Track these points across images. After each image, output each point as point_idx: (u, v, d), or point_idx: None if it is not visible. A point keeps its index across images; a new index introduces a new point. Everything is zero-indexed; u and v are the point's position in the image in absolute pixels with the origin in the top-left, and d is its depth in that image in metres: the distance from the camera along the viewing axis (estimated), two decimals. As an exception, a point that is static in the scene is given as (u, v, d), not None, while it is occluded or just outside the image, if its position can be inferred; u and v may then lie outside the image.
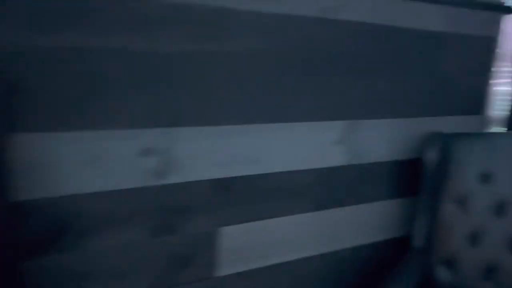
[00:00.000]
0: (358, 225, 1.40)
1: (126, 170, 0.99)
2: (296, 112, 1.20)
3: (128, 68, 0.94)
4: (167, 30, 0.96)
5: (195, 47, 1.00)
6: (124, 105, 0.95)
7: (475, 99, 1.53)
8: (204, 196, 1.12)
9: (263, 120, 1.15)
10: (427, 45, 1.36)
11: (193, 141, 1.06)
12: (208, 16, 1.00)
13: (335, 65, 1.21)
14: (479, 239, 1.27)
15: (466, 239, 1.28)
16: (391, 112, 1.34)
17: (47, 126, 0.88)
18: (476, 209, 1.28)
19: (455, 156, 1.32)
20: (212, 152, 1.10)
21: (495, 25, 1.49)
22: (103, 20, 0.89)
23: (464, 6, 1.40)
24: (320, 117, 1.23)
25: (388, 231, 1.46)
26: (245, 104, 1.11)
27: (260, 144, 1.16)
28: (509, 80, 1.57)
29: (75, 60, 0.88)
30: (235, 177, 1.15)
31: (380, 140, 1.35)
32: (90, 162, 0.94)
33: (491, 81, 1.54)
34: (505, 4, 1.47)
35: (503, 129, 1.62)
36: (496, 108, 1.61)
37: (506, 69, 1.56)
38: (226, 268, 1.19)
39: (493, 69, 1.53)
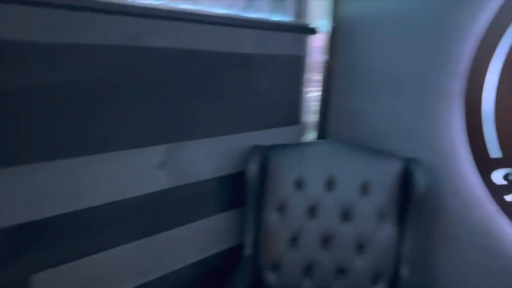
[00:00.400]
0: (193, 242, 1.43)
1: None
2: (114, 141, 1.16)
3: None
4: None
5: None
6: None
7: (292, 111, 1.70)
8: (12, 242, 1.00)
9: (78, 153, 1.09)
10: (241, 66, 1.45)
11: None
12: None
13: (151, 91, 1.21)
14: (297, 241, 1.41)
15: (287, 243, 1.41)
16: (213, 132, 1.40)
17: None
18: (293, 214, 1.42)
19: (273, 167, 1.44)
20: (15, 195, 0.99)
21: (303, 44, 1.67)
22: None
23: (273, 29, 1.53)
24: (140, 144, 1.22)
25: (223, 243, 1.53)
26: (56, 137, 1.03)
27: (77, 179, 1.10)
28: (318, 88, 1.78)
29: None
30: (47, 218, 1.06)
31: (204, 159, 1.39)
32: None
33: (304, 93, 1.73)
34: (310, 26, 1.66)
35: (314, 137, 1.83)
36: (310, 115, 1.81)
37: (315, 77, 1.76)
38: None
39: (304, 81, 1.71)
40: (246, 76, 1.48)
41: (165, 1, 1.23)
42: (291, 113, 1.70)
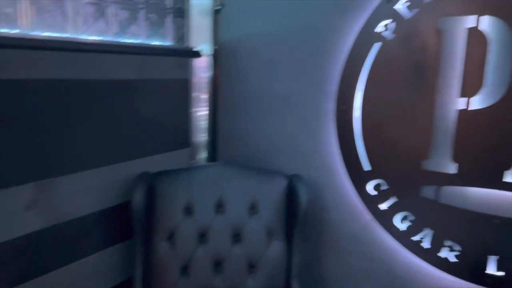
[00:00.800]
0: (75, 283, 1.33)
1: None
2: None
3: None
4: None
5: None
6: None
7: (181, 133, 1.68)
8: None
9: None
10: (122, 93, 1.40)
11: None
12: None
13: (14, 125, 1.11)
14: (189, 269, 1.39)
15: (179, 271, 1.38)
16: (91, 163, 1.32)
17: None
18: (183, 241, 1.39)
19: (160, 194, 1.41)
20: None
21: (188, 67, 1.67)
22: None
23: (155, 54, 1.51)
24: (2, 185, 1.11)
25: (109, 281, 1.45)
26: None
27: None
28: (206, 108, 1.79)
29: None
30: None
31: (83, 193, 1.31)
32: None
33: (193, 114, 1.72)
34: (193, 49, 1.67)
35: (203, 160, 1.84)
36: (202, 134, 1.81)
37: (203, 97, 1.77)
38: None
39: (192, 103, 1.71)
40: (128, 103, 1.43)
41: (26, 30, 1.15)
42: (181, 136, 1.68)
